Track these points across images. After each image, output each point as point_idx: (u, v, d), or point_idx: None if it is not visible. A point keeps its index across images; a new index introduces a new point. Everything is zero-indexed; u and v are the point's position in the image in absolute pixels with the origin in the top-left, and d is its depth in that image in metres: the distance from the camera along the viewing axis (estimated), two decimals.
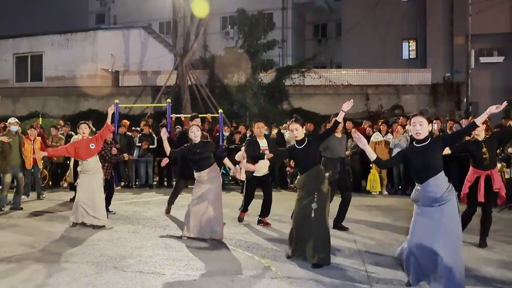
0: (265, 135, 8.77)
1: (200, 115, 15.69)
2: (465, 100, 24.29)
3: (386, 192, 12.60)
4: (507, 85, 30.21)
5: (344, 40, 32.72)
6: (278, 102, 22.36)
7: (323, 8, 38.39)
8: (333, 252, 6.39)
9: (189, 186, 11.58)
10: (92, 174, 8.43)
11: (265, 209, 8.61)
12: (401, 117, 14.60)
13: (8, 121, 10.69)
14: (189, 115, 16.81)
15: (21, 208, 10.27)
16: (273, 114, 21.07)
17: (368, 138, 12.36)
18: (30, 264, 6.04)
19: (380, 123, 13.63)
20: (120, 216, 9.38)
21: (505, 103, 5.25)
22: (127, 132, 14.48)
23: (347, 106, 6.26)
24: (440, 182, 4.83)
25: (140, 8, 36.60)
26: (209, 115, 15.75)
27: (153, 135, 14.92)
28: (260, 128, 8.49)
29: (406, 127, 12.63)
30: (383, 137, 12.92)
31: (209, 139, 8.84)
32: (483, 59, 30.29)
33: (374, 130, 13.58)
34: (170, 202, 9.84)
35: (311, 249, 5.91)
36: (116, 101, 15.12)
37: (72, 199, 9.89)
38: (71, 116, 21.53)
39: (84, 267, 5.88)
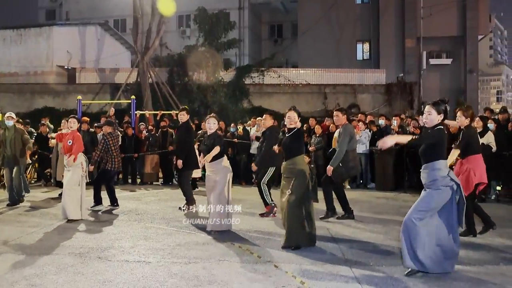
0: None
1: (164, 112, 15.92)
2: (417, 100, 25.20)
3: (348, 187, 13.02)
4: (455, 86, 31.57)
5: (300, 41, 33.25)
6: (238, 100, 22.62)
7: (279, 9, 38.85)
8: None
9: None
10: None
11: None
12: (359, 114, 15.13)
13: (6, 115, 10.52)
14: (154, 112, 16.92)
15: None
16: (233, 112, 21.34)
17: (331, 134, 12.74)
18: (11, 256, 6.02)
19: None
20: (92, 212, 9.38)
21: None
22: (90, 129, 14.35)
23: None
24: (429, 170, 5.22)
25: (94, 5, 36.03)
26: (174, 112, 15.81)
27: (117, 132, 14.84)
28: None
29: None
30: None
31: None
32: (432, 61, 31.54)
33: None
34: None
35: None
36: (79, 97, 14.98)
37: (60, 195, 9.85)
38: (25, 113, 21.05)
39: (67, 258, 5.93)
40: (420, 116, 14.10)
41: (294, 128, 6.67)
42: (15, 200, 10.15)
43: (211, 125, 7.56)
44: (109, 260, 5.84)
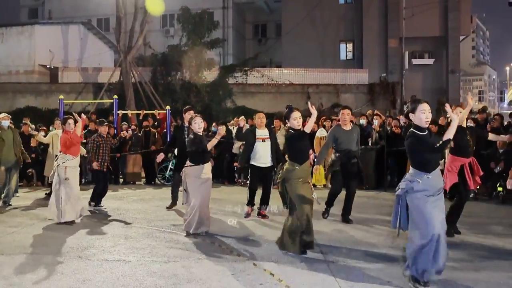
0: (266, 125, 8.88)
1: (147, 112, 15.90)
2: (399, 99, 25.44)
3: (330, 185, 13.10)
4: (437, 86, 31.93)
5: (284, 41, 33.34)
6: (221, 100, 22.61)
7: (263, 9, 38.96)
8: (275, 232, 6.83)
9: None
10: None
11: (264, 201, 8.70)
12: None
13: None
14: (136, 112, 16.89)
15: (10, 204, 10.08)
16: (217, 112, 21.38)
17: (313, 134, 12.85)
18: None
19: (323, 120, 14.20)
20: None
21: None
22: None
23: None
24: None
25: (77, 4, 35.78)
26: (157, 111, 15.82)
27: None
28: (261, 119, 8.72)
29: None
30: (327, 132, 13.48)
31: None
32: (415, 61, 31.86)
33: (318, 126, 14.11)
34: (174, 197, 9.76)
35: None
36: (61, 97, 14.92)
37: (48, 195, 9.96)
38: (8, 113, 20.76)
39: (47, 258, 5.94)
40: (401, 116, 14.35)
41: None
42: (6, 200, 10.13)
43: (199, 124, 7.33)
44: (89, 259, 5.87)
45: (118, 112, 15.26)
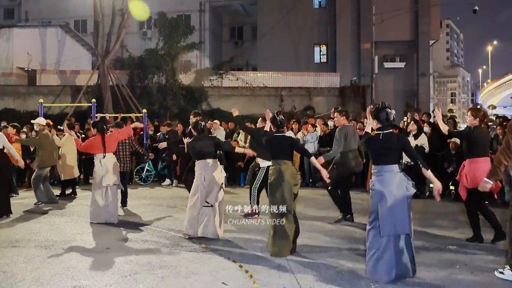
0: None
1: (123, 115, 16.48)
2: (370, 102, 26.36)
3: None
4: (407, 89, 32.98)
5: (259, 43, 34.06)
6: (197, 103, 23.30)
7: (239, 12, 39.59)
8: (248, 229, 7.69)
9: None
10: None
11: None
12: (309, 118, 16.22)
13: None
14: (114, 115, 17.43)
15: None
16: None
17: None
18: None
19: (292, 122, 15.03)
20: (52, 209, 10.02)
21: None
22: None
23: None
24: None
25: (54, 5, 35.91)
26: (133, 115, 16.39)
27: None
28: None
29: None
30: (295, 135, 14.30)
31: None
32: (386, 65, 32.77)
33: (288, 129, 14.91)
34: None
35: None
36: (41, 100, 15.44)
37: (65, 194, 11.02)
38: None
39: (33, 250, 6.59)
40: (365, 119, 15.23)
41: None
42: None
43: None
44: (72, 251, 6.55)
45: (96, 115, 15.80)
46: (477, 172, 6.77)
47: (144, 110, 16.93)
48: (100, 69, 22.46)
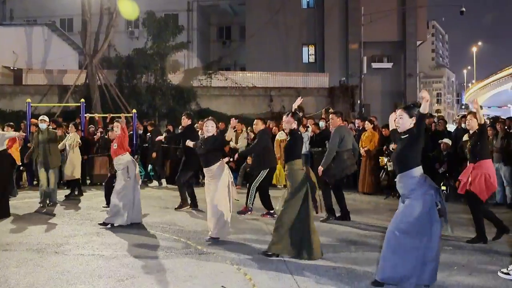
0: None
1: (113, 115, 16.30)
2: (358, 102, 26.48)
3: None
4: (395, 89, 33.20)
5: (248, 43, 34.05)
6: (186, 103, 23.20)
7: (227, 11, 39.54)
8: (244, 230, 7.73)
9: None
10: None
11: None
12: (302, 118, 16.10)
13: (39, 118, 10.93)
14: (103, 115, 17.28)
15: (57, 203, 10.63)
16: (181, 114, 21.85)
17: (273, 136, 13.55)
18: None
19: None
20: (44, 212, 9.87)
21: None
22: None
23: None
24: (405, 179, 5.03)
25: (40, 4, 35.55)
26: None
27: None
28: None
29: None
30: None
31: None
32: (374, 65, 32.96)
33: (278, 129, 14.83)
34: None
35: None
36: (28, 100, 15.23)
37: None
38: None
39: (25, 253, 6.46)
40: (357, 120, 15.25)
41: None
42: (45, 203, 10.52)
43: (209, 128, 7.45)
44: (65, 254, 6.42)
45: (85, 115, 15.63)
46: (490, 171, 6.99)
47: (134, 111, 16.78)
48: (88, 69, 22.26)
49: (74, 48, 31.40)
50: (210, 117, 7.80)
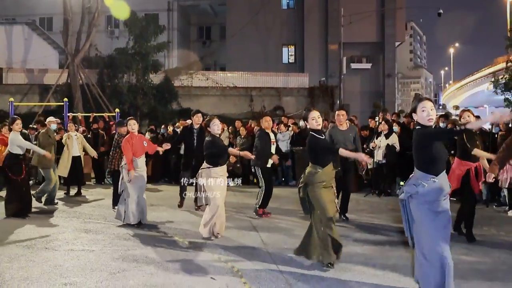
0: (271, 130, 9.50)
1: (96, 114, 16.41)
2: (338, 102, 26.85)
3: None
4: (374, 89, 33.70)
5: (228, 44, 34.19)
6: (167, 102, 23.34)
7: (207, 11, 39.64)
8: (231, 227, 7.82)
9: None
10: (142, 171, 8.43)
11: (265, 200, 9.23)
12: (283, 117, 16.46)
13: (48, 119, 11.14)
14: (86, 114, 17.33)
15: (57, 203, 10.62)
16: (163, 114, 22.09)
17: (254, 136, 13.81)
18: None
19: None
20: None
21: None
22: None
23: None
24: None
25: (19, 2, 35.25)
26: (106, 114, 16.36)
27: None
28: (268, 122, 9.24)
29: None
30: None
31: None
32: (354, 65, 33.35)
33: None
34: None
35: None
36: (11, 99, 15.24)
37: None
38: None
39: (16, 249, 6.60)
40: (334, 118, 15.62)
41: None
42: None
43: (218, 126, 7.44)
44: (55, 249, 6.58)
45: (68, 114, 15.70)
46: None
47: (117, 110, 16.89)
48: (70, 68, 22.25)
49: (55, 47, 31.23)
50: (214, 116, 7.78)
